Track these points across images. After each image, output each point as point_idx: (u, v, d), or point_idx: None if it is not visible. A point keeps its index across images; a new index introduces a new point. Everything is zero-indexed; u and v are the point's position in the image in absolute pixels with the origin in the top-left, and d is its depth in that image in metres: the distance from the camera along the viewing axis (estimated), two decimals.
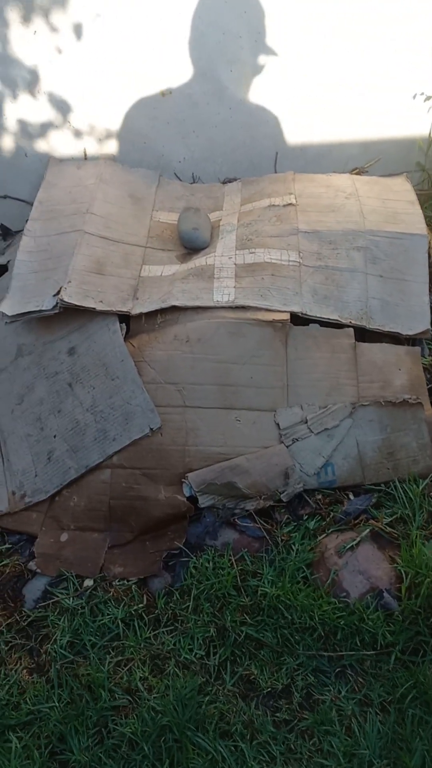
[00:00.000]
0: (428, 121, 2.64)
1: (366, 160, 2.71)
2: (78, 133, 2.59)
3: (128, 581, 1.91)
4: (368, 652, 1.73)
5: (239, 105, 2.56)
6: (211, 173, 2.71)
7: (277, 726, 1.65)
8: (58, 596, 1.90)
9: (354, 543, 1.87)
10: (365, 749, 1.57)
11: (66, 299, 2.03)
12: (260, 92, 2.54)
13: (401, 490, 1.97)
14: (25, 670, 1.79)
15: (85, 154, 2.64)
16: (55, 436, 2.08)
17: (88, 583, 1.93)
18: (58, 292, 2.04)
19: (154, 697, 1.68)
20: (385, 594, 1.78)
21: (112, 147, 2.63)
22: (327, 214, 2.33)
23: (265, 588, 1.82)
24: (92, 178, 2.50)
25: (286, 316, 2.04)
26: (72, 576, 1.93)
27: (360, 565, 1.84)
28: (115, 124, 2.58)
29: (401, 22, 2.42)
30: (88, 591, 1.91)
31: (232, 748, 1.60)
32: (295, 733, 1.63)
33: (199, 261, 2.23)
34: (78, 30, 2.37)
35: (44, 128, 2.57)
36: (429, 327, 2.14)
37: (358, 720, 1.63)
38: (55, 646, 1.80)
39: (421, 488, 1.96)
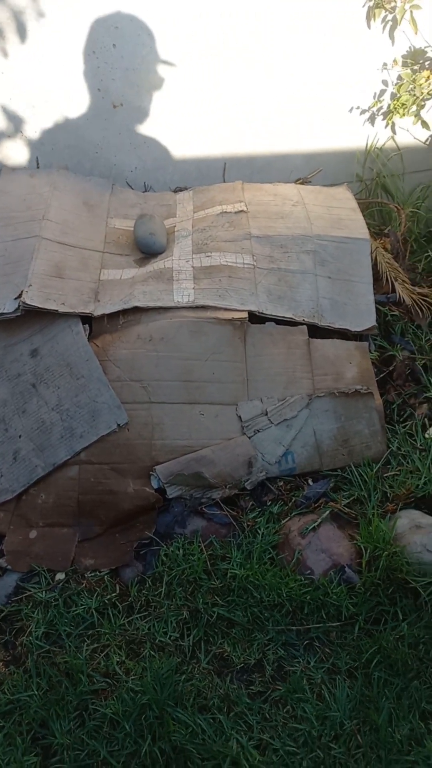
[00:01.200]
0: (365, 135, 2.83)
1: (308, 170, 2.87)
2: (30, 143, 2.64)
3: (100, 572, 1.96)
4: (333, 624, 1.84)
5: (189, 117, 2.67)
6: (162, 182, 2.80)
7: (252, 697, 1.73)
8: (30, 590, 1.93)
9: (315, 524, 1.98)
10: (336, 712, 1.67)
11: (28, 302, 2.07)
12: (210, 106, 2.66)
13: (356, 474, 2.10)
14: (0, 663, 1.81)
15: (38, 163, 2.69)
16: (20, 436, 2.11)
17: (60, 576, 1.97)
18: (20, 295, 2.09)
19: (132, 679, 1.74)
20: (347, 569, 1.90)
21: (64, 156, 2.69)
22: (276, 220, 2.46)
23: (234, 570, 1.91)
24: (46, 186, 2.55)
25: (245, 315, 2.15)
26: (44, 570, 1.97)
27: (322, 544, 1.95)
28: (68, 133, 2.64)
29: (341, 37, 2.61)
30: (61, 584, 1.94)
31: (211, 720, 1.67)
32: (269, 703, 1.72)
33: (157, 264, 2.32)
34: (30, 41, 2.43)
35: None
36: (375, 324, 2.30)
37: (328, 687, 1.73)
38: (31, 637, 1.83)
39: (374, 471, 2.10)
